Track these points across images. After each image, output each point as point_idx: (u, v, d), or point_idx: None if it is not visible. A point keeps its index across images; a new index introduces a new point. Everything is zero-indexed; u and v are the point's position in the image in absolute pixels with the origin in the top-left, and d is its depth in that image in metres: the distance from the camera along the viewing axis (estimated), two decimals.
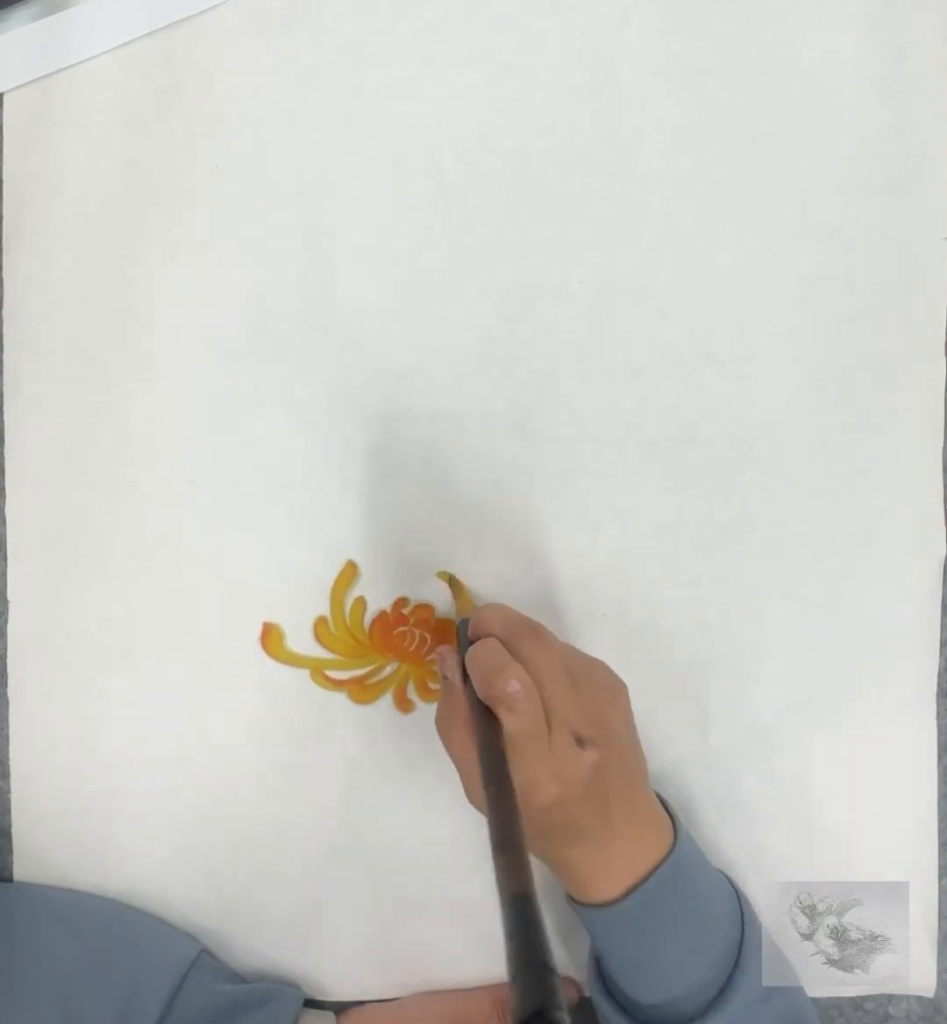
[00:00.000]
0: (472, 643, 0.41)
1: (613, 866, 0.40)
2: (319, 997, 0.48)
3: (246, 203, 0.47)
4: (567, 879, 0.42)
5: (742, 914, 0.42)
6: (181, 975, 0.44)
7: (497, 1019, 0.47)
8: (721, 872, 0.45)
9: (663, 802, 0.43)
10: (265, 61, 0.47)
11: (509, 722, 0.38)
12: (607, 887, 0.40)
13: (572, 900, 0.42)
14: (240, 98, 0.47)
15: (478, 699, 0.39)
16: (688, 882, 0.41)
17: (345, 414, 0.47)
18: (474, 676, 0.39)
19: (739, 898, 0.43)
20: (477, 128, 0.47)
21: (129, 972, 0.44)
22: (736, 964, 0.40)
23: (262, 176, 0.47)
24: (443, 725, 0.42)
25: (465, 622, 0.43)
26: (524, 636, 0.40)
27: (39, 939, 0.44)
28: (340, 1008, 0.48)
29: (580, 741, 0.39)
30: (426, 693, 0.48)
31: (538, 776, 0.38)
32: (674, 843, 0.41)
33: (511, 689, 0.38)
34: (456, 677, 0.41)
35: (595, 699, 0.40)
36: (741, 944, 0.41)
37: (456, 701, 0.40)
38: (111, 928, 0.46)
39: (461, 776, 0.41)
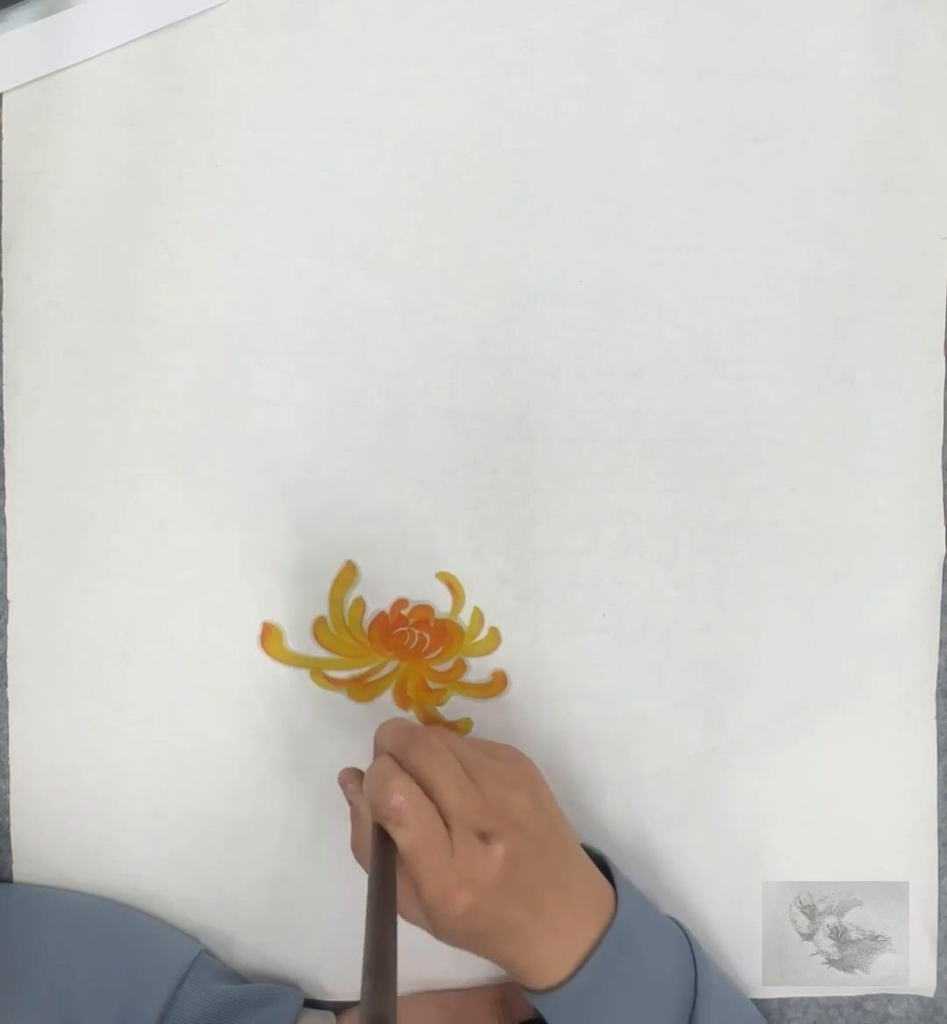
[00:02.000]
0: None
1: (555, 953, 0.39)
2: (319, 997, 0.48)
3: (246, 203, 0.47)
4: (511, 972, 0.41)
5: (694, 962, 0.42)
6: (181, 975, 0.44)
7: (497, 1019, 0.47)
8: (671, 919, 0.44)
9: (599, 857, 0.42)
10: (265, 61, 0.47)
11: (399, 837, 0.37)
12: (551, 973, 0.39)
13: (520, 988, 0.41)
14: (240, 98, 0.47)
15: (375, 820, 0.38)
16: (634, 946, 0.40)
17: (345, 414, 0.47)
18: (366, 798, 0.38)
19: (691, 944, 0.43)
20: (477, 128, 0.47)
21: (129, 972, 0.44)
22: (691, 1019, 0.40)
23: (262, 176, 0.47)
24: (357, 851, 0.41)
25: None
26: (412, 744, 0.39)
27: (39, 939, 0.44)
28: (340, 1008, 0.48)
29: (485, 837, 0.38)
30: (426, 692, 0.48)
31: (446, 886, 0.37)
32: (615, 908, 0.40)
33: (394, 803, 0.37)
34: (358, 801, 0.40)
35: (497, 790, 0.39)
36: (695, 996, 0.40)
37: (364, 826, 0.39)
38: (111, 928, 0.46)
39: None
